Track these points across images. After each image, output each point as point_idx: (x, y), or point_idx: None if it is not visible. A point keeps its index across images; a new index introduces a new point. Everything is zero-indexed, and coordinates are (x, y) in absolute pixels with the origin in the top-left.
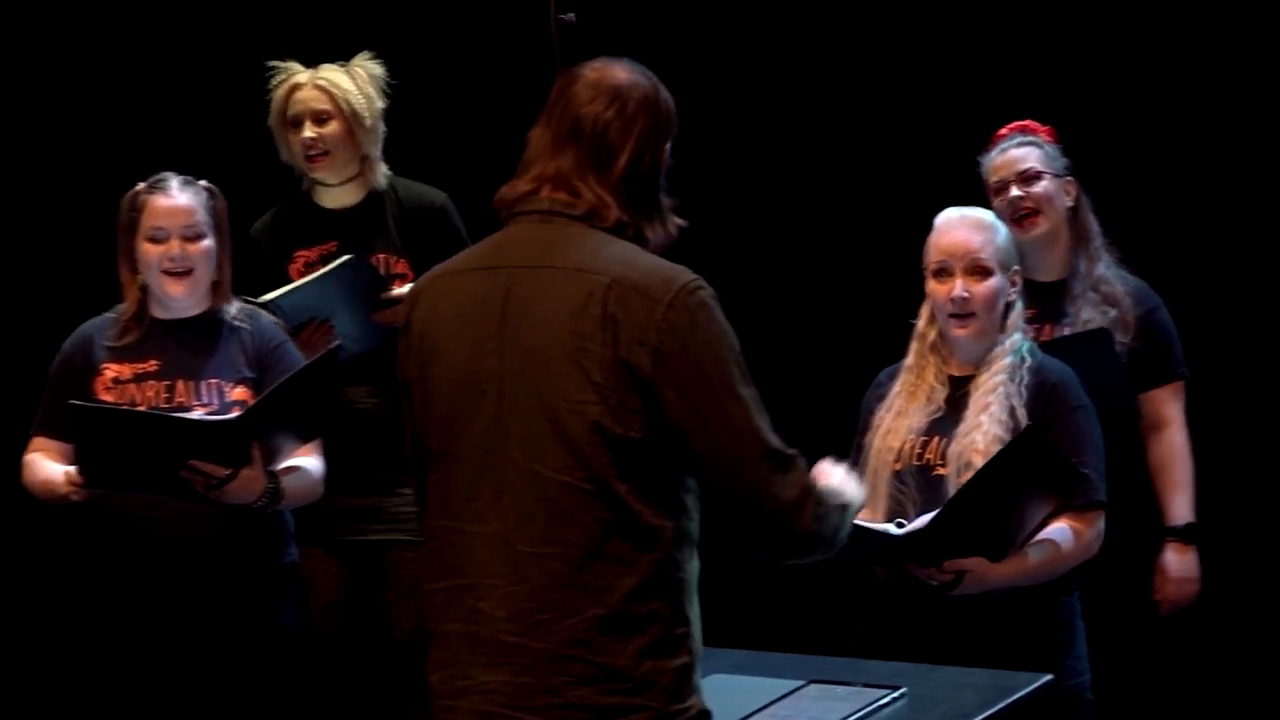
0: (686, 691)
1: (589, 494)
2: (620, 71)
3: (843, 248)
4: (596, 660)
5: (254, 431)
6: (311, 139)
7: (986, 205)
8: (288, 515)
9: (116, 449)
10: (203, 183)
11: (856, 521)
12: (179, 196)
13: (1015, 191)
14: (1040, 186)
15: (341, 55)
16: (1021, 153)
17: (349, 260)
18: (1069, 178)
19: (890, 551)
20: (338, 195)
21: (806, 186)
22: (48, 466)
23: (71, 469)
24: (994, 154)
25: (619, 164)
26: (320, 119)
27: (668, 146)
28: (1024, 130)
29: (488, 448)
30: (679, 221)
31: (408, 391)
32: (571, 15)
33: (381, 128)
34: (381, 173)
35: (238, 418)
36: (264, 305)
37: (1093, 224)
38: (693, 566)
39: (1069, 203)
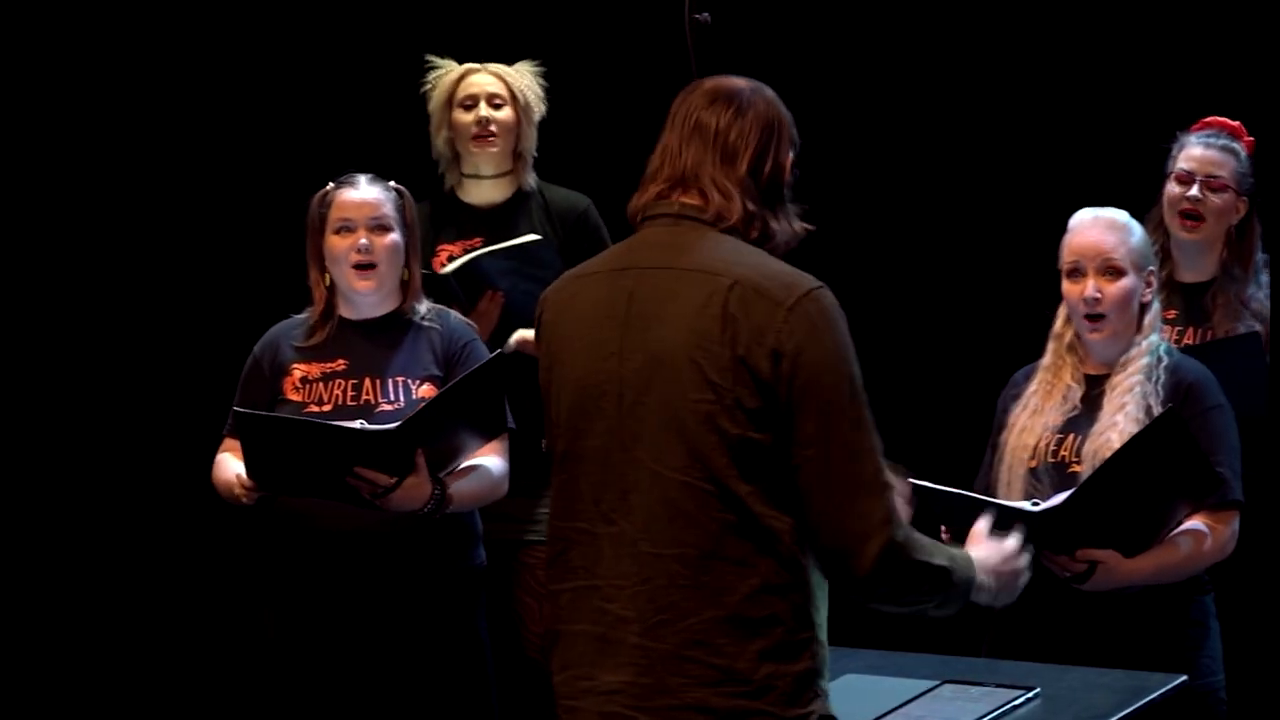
0: (807, 697)
1: (709, 494)
2: (741, 81)
3: (980, 248)
4: (715, 662)
5: (417, 440)
6: (486, 118)
7: (1153, 181)
8: (475, 517)
9: (283, 455)
10: (391, 182)
11: (991, 499)
12: (366, 190)
13: (1195, 191)
14: (1221, 199)
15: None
16: (1220, 158)
17: (534, 239)
18: (1244, 197)
19: (1024, 531)
20: (486, 191)
21: (943, 187)
22: (230, 467)
23: (243, 472)
24: (1195, 141)
25: (743, 161)
26: (495, 103)
27: (791, 155)
28: (1233, 134)
29: (612, 448)
30: (805, 226)
31: (545, 394)
32: (706, 15)
33: (535, 138)
34: (531, 174)
35: (397, 428)
36: (434, 280)
37: (1258, 245)
38: (816, 569)
39: (1236, 219)
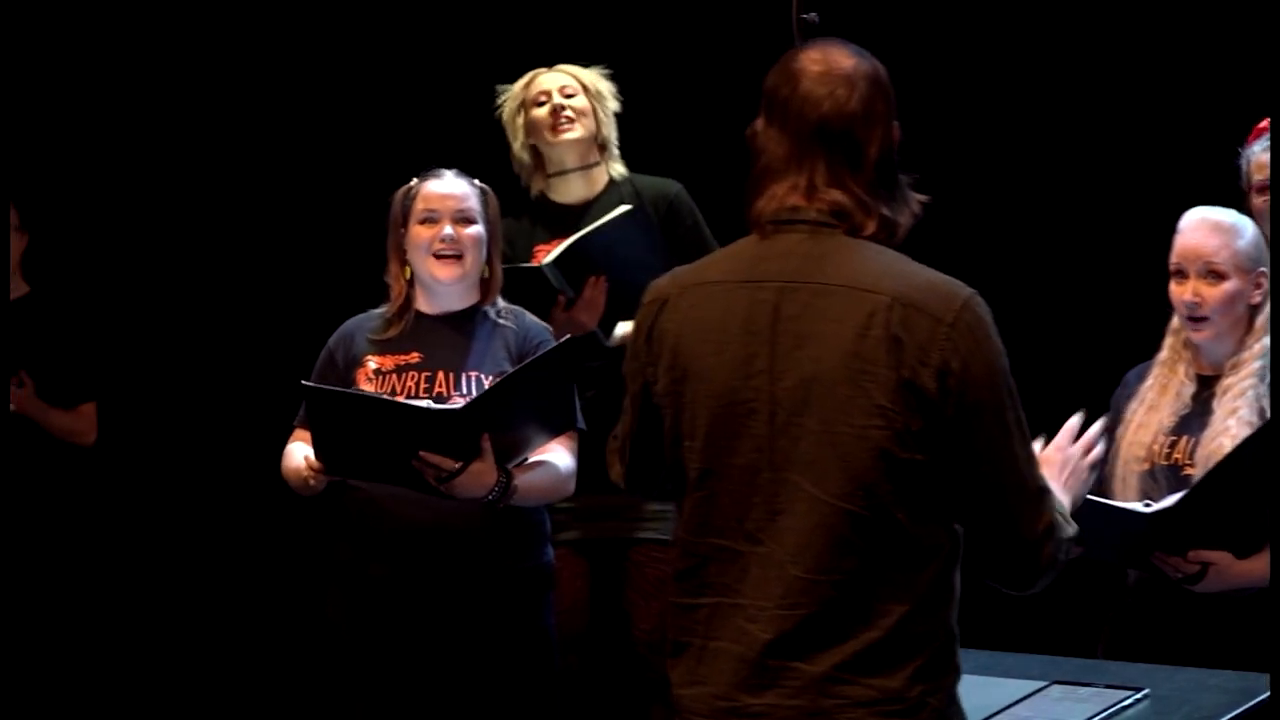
0: (955, 709)
1: (869, 520)
2: (842, 57)
3: (1087, 248)
4: (871, 683)
5: (483, 423)
6: (560, 105)
7: (1241, 198)
8: (544, 514)
9: (349, 434)
10: (476, 180)
11: (1105, 501)
12: (452, 183)
13: None
14: None
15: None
16: None
17: (627, 210)
18: None
19: (1136, 534)
20: (575, 187)
21: (1055, 186)
22: (299, 455)
23: (311, 454)
24: (1257, 149)
25: (870, 158)
26: (568, 94)
27: (896, 122)
28: None
29: (759, 468)
30: (921, 198)
31: (648, 394)
32: (814, 15)
33: (615, 128)
34: (618, 165)
35: (463, 408)
36: (534, 271)
37: None
38: (959, 579)
39: None
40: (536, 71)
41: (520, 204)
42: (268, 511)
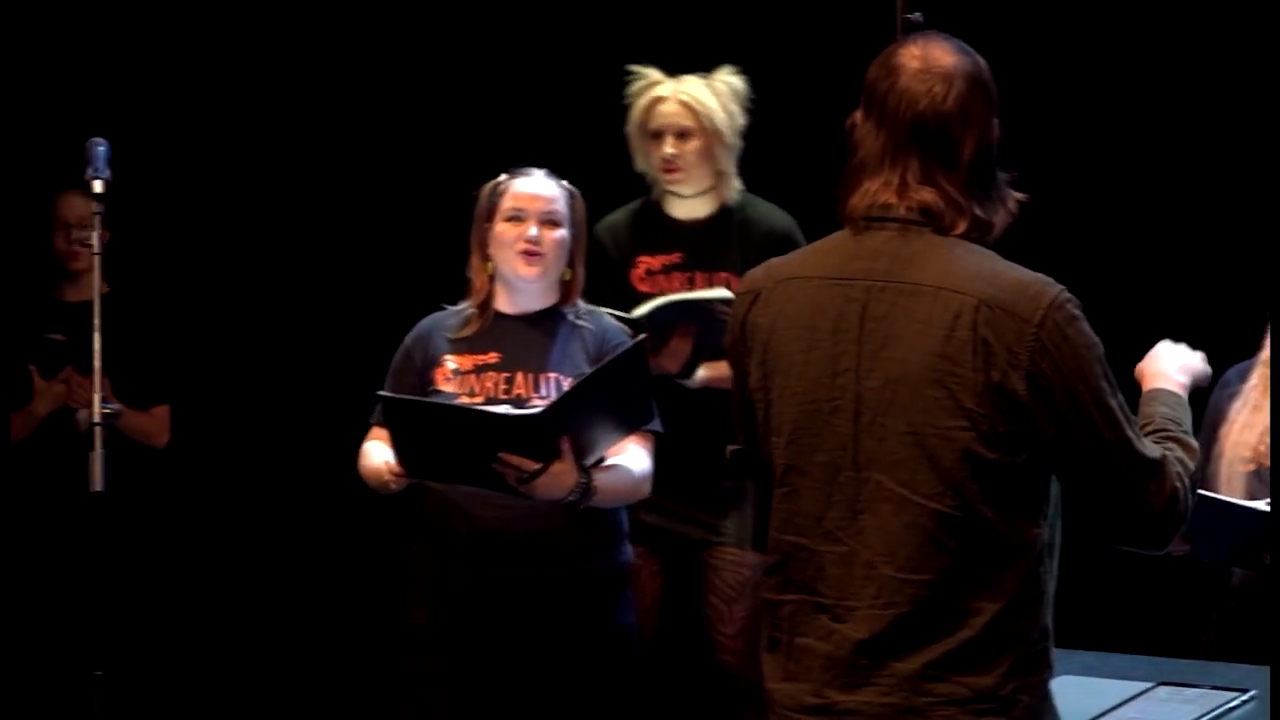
0: (1046, 705)
1: (958, 520)
2: (942, 54)
3: (1185, 243)
4: (964, 681)
5: (562, 426)
6: (672, 155)
7: None
8: (622, 514)
9: (428, 440)
10: (564, 181)
11: (1220, 498)
12: (541, 183)
13: None
14: None
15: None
16: None
17: (725, 298)
18: None
19: (1252, 532)
20: (689, 207)
21: (1148, 184)
22: (377, 455)
23: (391, 458)
24: None
25: (964, 157)
26: (682, 134)
27: (996, 120)
28: None
29: (841, 466)
30: (1018, 196)
31: (743, 386)
32: (919, 15)
33: (739, 144)
34: (734, 188)
35: (542, 413)
36: (626, 321)
37: None
38: (1051, 576)
39: None
40: (657, 91)
41: (642, 198)
42: (343, 514)
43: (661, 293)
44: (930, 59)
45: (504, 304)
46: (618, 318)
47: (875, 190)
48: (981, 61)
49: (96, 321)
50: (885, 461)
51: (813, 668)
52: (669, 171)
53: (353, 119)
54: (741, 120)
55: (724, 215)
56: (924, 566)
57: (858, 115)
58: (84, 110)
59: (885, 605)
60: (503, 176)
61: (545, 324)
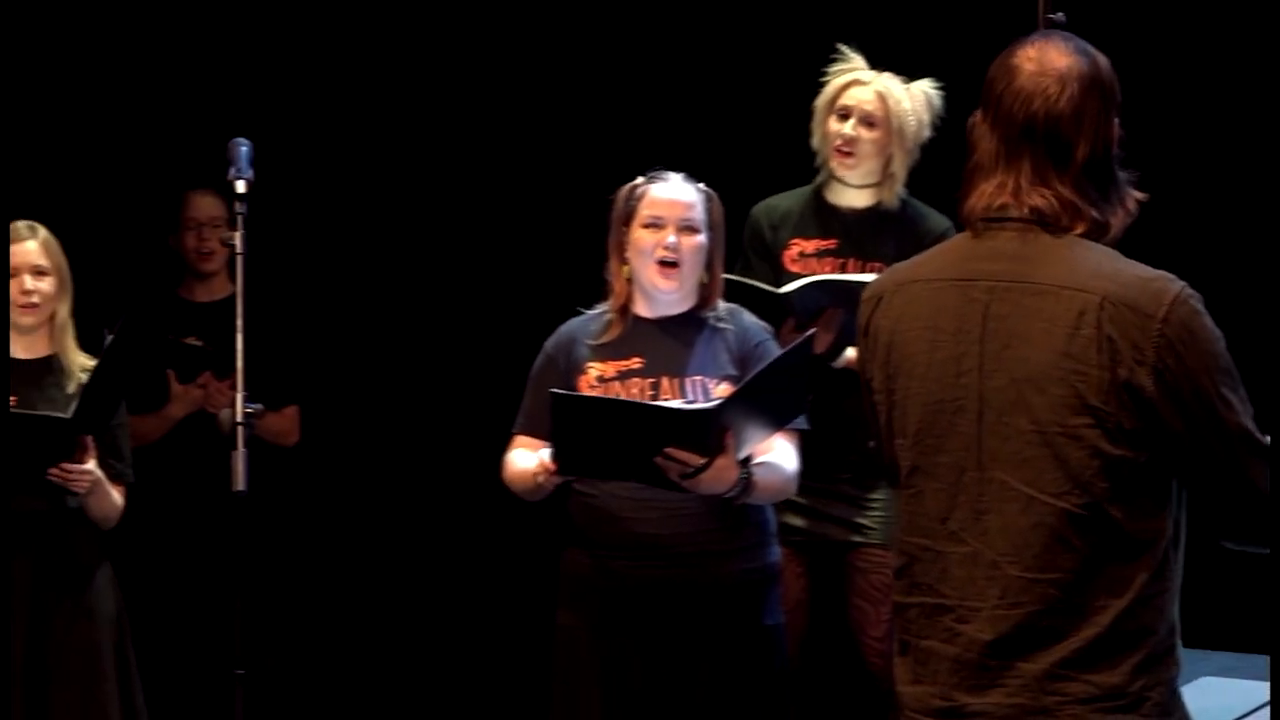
0: (1175, 702)
1: (1085, 519)
2: (1058, 55)
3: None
4: (1092, 679)
5: (730, 422)
6: (852, 137)
7: None
8: (770, 515)
9: (593, 437)
10: (701, 184)
11: None
12: (679, 188)
13: None
14: None
15: None
16: None
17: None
18: None
19: None
20: (850, 196)
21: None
22: (523, 461)
23: (545, 456)
24: None
25: (1077, 157)
26: (868, 122)
27: (1116, 120)
28: None
29: (965, 466)
30: (1138, 196)
31: (868, 389)
32: (1062, 15)
33: (917, 155)
34: (898, 192)
35: (716, 406)
36: (772, 294)
37: None
38: (1178, 571)
39: None
40: (855, 79)
41: (798, 193)
42: (475, 515)
43: (813, 275)
44: (1046, 60)
45: (643, 308)
46: (763, 290)
47: (991, 192)
48: (1102, 62)
49: (239, 322)
50: (1010, 461)
51: (939, 670)
52: (844, 154)
53: (487, 119)
54: (927, 133)
55: (884, 210)
56: (1051, 565)
57: (977, 116)
58: (211, 109)
59: (1012, 605)
60: (640, 180)
61: (686, 327)
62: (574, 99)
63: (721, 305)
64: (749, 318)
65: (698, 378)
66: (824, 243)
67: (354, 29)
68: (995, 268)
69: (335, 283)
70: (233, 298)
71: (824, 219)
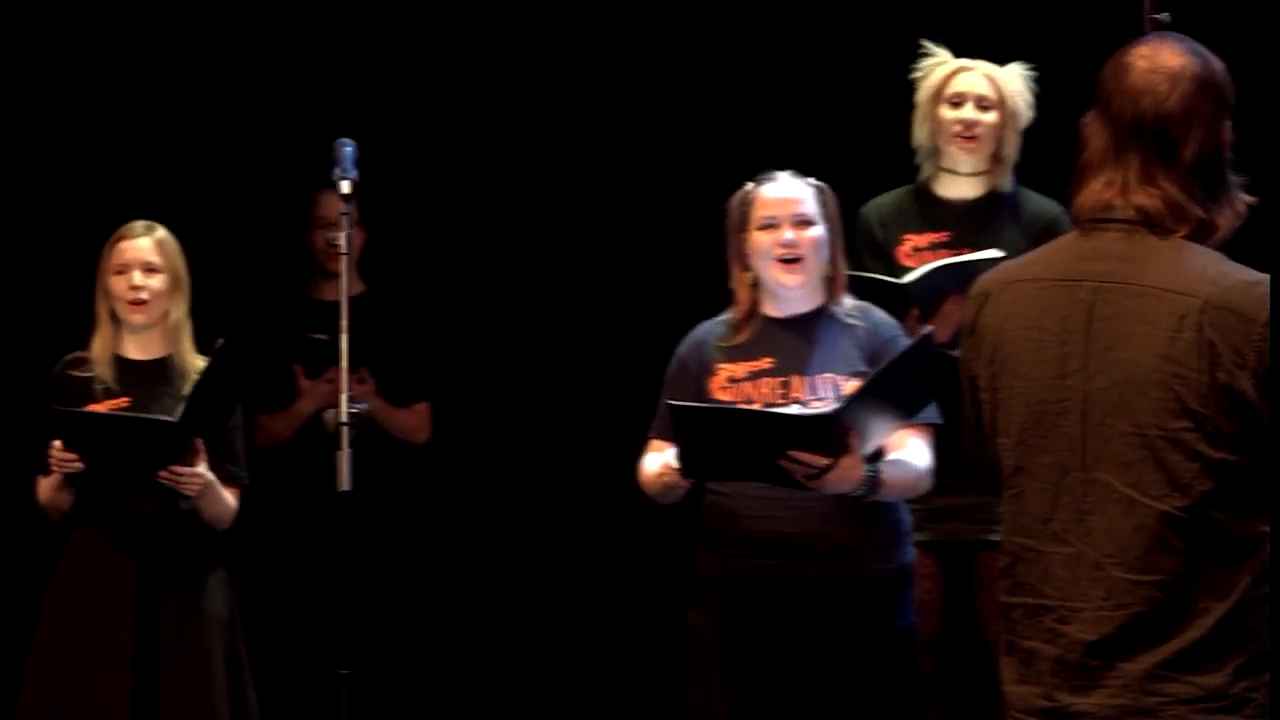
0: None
1: (1186, 522)
2: (1171, 55)
3: None
4: (1194, 681)
5: (851, 423)
6: (971, 120)
7: None
8: (904, 514)
9: (716, 444)
10: (812, 179)
11: None
12: (788, 186)
13: None
14: None
15: None
16: None
17: (1000, 258)
18: None
19: None
20: (960, 186)
21: None
22: (653, 464)
23: (670, 459)
24: None
25: (1185, 157)
26: (984, 105)
27: (1228, 123)
28: None
29: (1068, 467)
30: (1247, 199)
31: (974, 389)
32: (1167, 15)
33: (1021, 138)
34: (1008, 177)
35: (834, 410)
36: (893, 285)
37: None
38: None
39: None
40: (961, 65)
41: (909, 182)
42: (605, 515)
43: None
44: (1158, 59)
45: (771, 309)
46: (884, 282)
47: (1099, 189)
48: (1216, 64)
49: (343, 323)
50: (1113, 463)
51: (1042, 671)
52: (965, 138)
53: (613, 118)
54: (1030, 113)
55: (995, 199)
56: (1153, 567)
57: (1090, 114)
58: (344, 108)
59: (1115, 606)
60: (749, 185)
61: (815, 325)
62: (696, 89)
63: (850, 302)
64: (879, 314)
65: (827, 375)
66: (936, 236)
67: (491, 32)
68: (1100, 268)
69: (469, 280)
70: (361, 296)
71: (934, 212)
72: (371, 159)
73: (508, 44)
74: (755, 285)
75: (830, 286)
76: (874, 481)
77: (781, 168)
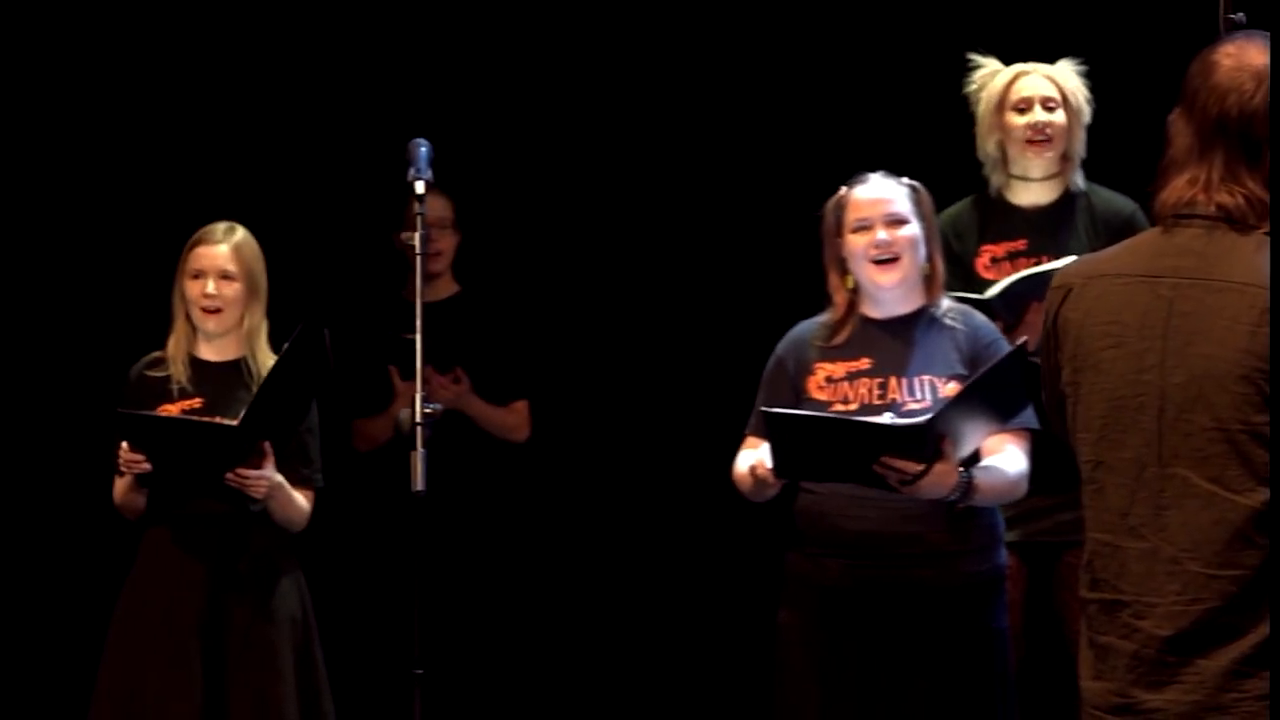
0: None
1: (1264, 515)
2: (1257, 54)
3: None
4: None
5: (945, 429)
6: (1042, 123)
7: None
8: (999, 517)
9: (809, 449)
10: (905, 179)
11: None
12: (879, 186)
13: None
14: None
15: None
16: None
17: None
18: None
19: None
20: (1033, 192)
21: None
22: (747, 459)
23: (764, 458)
24: None
25: (1265, 153)
26: (1050, 106)
27: None
28: None
29: (1146, 462)
30: None
31: (1055, 383)
32: (1242, 15)
33: (1085, 140)
34: (1078, 174)
35: (928, 420)
36: (976, 302)
37: None
38: None
39: None
40: (1020, 70)
41: (979, 193)
42: (697, 514)
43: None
44: (1244, 57)
45: (870, 310)
46: (968, 299)
47: (1182, 187)
48: None
49: (418, 323)
50: (1192, 457)
51: (1118, 666)
52: (1038, 143)
53: (708, 118)
54: (1091, 108)
55: (1068, 200)
56: (1232, 562)
57: (1175, 112)
58: (438, 108)
59: (1191, 601)
60: (842, 189)
61: (914, 326)
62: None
63: (949, 302)
64: (980, 317)
65: (925, 377)
66: (1013, 244)
67: (588, 32)
68: (1180, 264)
69: (564, 279)
70: (456, 297)
71: (1008, 221)
72: (466, 159)
73: (604, 44)
74: (854, 289)
75: (929, 286)
76: (967, 487)
77: (876, 169)
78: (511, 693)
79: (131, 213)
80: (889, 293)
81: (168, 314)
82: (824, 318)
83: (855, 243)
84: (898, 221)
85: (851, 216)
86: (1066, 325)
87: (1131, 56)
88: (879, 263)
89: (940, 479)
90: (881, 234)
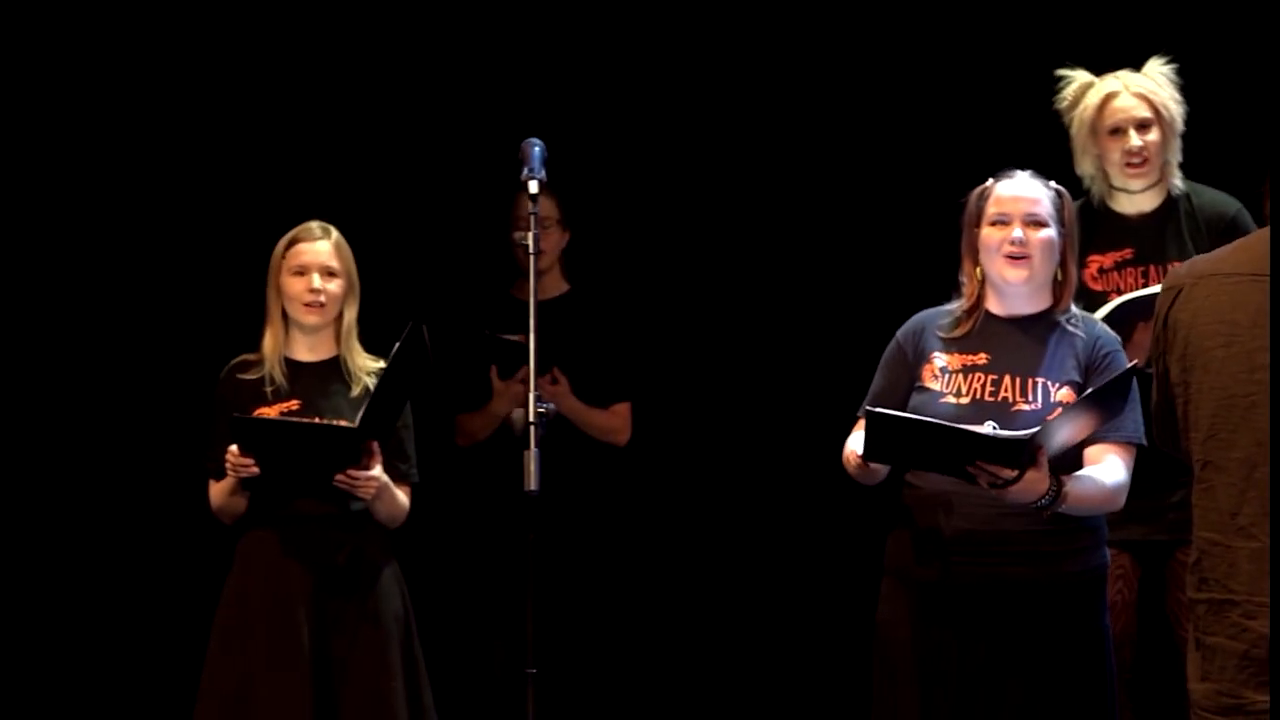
0: None
1: None
2: None
3: None
4: None
5: (1043, 442)
6: (1139, 147)
7: None
8: (1101, 519)
9: (906, 446)
10: (1051, 182)
11: None
12: (1025, 184)
13: None
14: None
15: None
16: None
17: None
18: None
19: None
20: (1137, 201)
21: None
22: (856, 441)
23: (857, 447)
24: None
25: None
26: (1143, 126)
27: None
28: None
29: (1257, 462)
30: None
31: (1165, 383)
32: None
33: (1180, 145)
34: (1177, 177)
35: (1030, 435)
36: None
37: None
38: None
39: None
40: (1110, 91)
41: (1082, 203)
42: (800, 514)
43: (1116, 290)
44: None
45: (995, 306)
46: None
47: None
48: None
49: (532, 323)
50: None
51: (1226, 667)
52: (1136, 166)
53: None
54: (1183, 109)
55: (1170, 206)
56: None
57: None
58: (548, 108)
59: None
60: (989, 181)
61: (1037, 328)
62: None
63: (1074, 309)
64: (1103, 326)
65: (1040, 379)
66: (1119, 254)
67: (697, 28)
68: None
69: (671, 280)
70: (564, 296)
71: (1114, 231)
72: (575, 159)
73: (714, 41)
74: (983, 281)
75: (1058, 291)
76: (1057, 495)
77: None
78: (613, 694)
79: (230, 215)
80: (1014, 289)
81: (248, 317)
82: (950, 306)
83: (991, 236)
84: (1037, 223)
85: (992, 209)
86: (1176, 325)
87: (1221, 48)
88: (1010, 258)
89: (1031, 485)
90: (1018, 232)
